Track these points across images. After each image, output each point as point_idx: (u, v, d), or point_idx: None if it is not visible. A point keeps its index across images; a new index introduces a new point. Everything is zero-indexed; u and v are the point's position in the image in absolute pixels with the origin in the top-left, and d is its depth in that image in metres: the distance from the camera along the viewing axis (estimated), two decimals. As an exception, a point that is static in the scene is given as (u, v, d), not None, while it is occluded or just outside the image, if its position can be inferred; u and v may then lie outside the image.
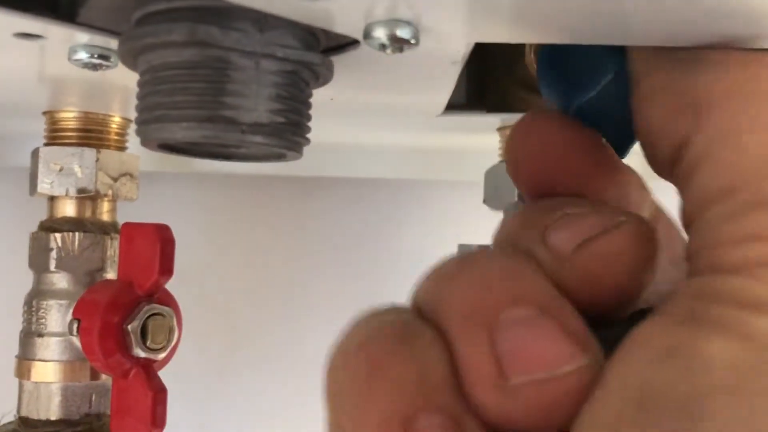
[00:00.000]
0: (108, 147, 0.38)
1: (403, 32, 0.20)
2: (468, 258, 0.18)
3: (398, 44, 0.21)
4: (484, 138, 0.42)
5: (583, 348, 0.16)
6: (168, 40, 0.20)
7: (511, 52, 0.36)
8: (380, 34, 0.20)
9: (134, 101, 0.37)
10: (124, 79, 0.31)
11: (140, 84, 0.22)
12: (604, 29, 0.21)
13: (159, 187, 0.56)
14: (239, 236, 0.59)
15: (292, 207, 0.59)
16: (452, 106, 0.34)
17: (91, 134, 0.38)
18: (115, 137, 0.38)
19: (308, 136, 0.23)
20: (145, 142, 0.22)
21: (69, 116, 0.38)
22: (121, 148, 0.39)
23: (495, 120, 0.40)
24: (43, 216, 0.39)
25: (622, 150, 0.23)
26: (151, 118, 0.21)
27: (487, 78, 0.38)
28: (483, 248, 0.20)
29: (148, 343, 0.34)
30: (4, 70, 0.29)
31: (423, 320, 0.17)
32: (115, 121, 0.38)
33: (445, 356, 0.17)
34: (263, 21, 0.21)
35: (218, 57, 0.20)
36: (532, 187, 0.21)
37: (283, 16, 0.20)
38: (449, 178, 0.52)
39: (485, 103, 0.39)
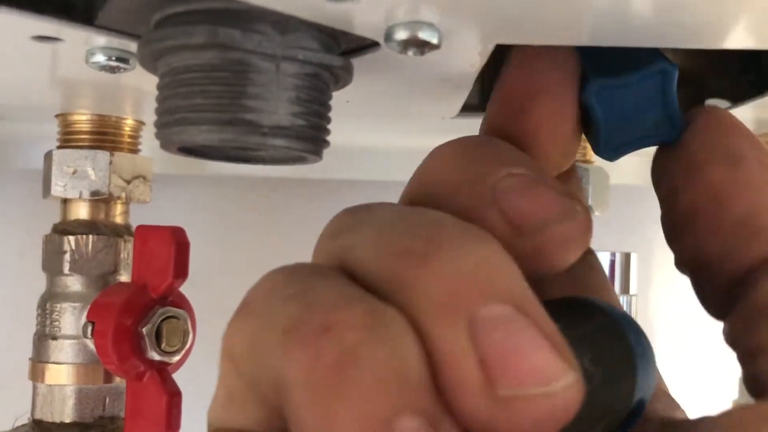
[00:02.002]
0: (121, 149, 0.38)
1: (425, 34, 0.20)
2: (433, 233, 0.17)
3: (420, 46, 0.20)
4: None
5: (570, 364, 0.15)
6: (188, 42, 0.20)
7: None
8: (402, 36, 0.20)
9: (148, 104, 0.37)
10: (138, 81, 0.31)
11: (160, 87, 0.22)
12: (624, 31, 0.21)
13: (171, 190, 0.56)
14: (251, 239, 0.59)
15: (304, 210, 0.59)
16: (465, 108, 0.34)
17: (105, 137, 0.38)
18: (129, 140, 0.38)
19: (327, 138, 0.23)
20: (165, 145, 0.21)
21: (82, 119, 0.37)
22: (134, 151, 0.39)
23: (509, 122, 0.40)
24: (54, 219, 0.39)
25: (609, 151, 0.23)
26: (171, 121, 0.21)
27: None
28: (436, 213, 0.18)
29: (163, 346, 0.34)
30: (20, 72, 0.29)
31: (385, 302, 0.16)
32: (129, 123, 0.38)
33: (420, 349, 0.15)
34: (284, 23, 0.21)
35: (239, 60, 0.20)
36: (500, 112, 0.22)
37: (305, 19, 0.20)
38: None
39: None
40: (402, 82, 0.28)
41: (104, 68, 0.25)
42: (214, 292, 0.58)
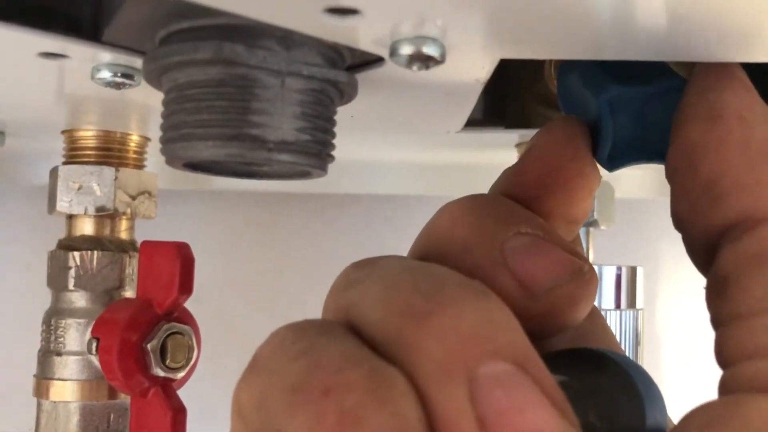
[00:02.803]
0: (126, 165, 0.38)
1: (429, 49, 0.20)
2: (434, 290, 0.17)
3: (425, 61, 0.20)
4: (502, 154, 0.42)
5: (570, 421, 0.15)
6: (194, 58, 0.20)
7: (530, 67, 0.36)
8: (407, 51, 0.20)
9: (153, 120, 0.37)
10: (143, 97, 0.31)
11: (165, 103, 0.22)
12: (629, 45, 0.21)
13: (175, 206, 0.56)
14: (255, 254, 0.59)
15: (308, 224, 0.59)
16: (469, 122, 0.34)
17: (110, 153, 0.38)
18: (134, 156, 0.38)
19: (332, 153, 0.23)
20: (171, 161, 0.22)
21: (88, 135, 0.38)
22: (140, 167, 0.39)
23: (513, 136, 0.40)
24: (59, 235, 0.39)
25: (610, 162, 0.23)
26: (176, 136, 0.21)
27: (505, 94, 0.38)
28: (440, 269, 0.18)
29: (168, 362, 0.34)
30: (26, 89, 0.29)
31: (387, 361, 0.16)
32: (134, 139, 0.38)
33: (421, 410, 0.15)
34: (289, 39, 0.21)
35: (244, 75, 0.20)
36: (517, 180, 0.22)
37: (310, 35, 0.20)
38: (465, 194, 0.52)
39: (503, 119, 0.38)
40: (407, 97, 0.28)
41: (110, 84, 0.25)
42: (218, 307, 0.58)
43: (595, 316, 0.24)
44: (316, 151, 0.22)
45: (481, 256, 0.19)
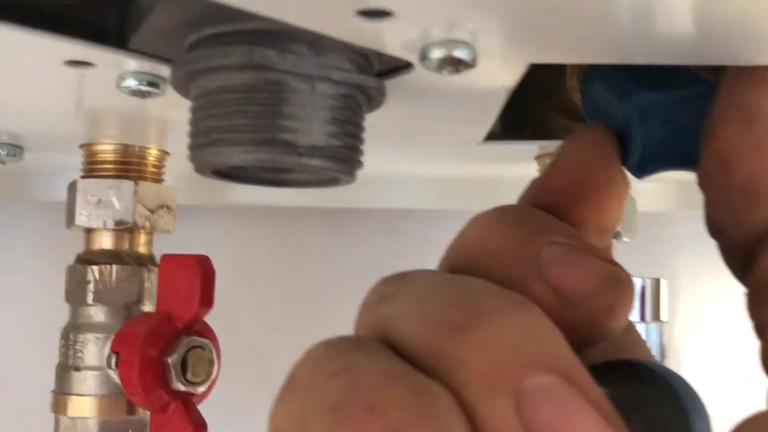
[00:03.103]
0: (145, 179, 0.38)
1: (460, 53, 0.20)
2: (473, 302, 0.16)
3: (456, 65, 0.20)
4: (521, 166, 0.42)
5: (615, 427, 0.15)
6: (224, 63, 0.20)
7: (550, 78, 0.36)
8: (437, 54, 0.20)
9: (172, 133, 0.37)
10: (163, 110, 0.31)
11: (194, 109, 0.21)
12: (656, 49, 0.21)
13: (190, 220, 0.56)
14: (271, 269, 0.59)
15: (324, 239, 0.59)
16: (488, 135, 0.34)
17: (129, 166, 0.37)
18: (153, 169, 0.38)
19: (361, 159, 0.23)
20: (199, 168, 0.21)
21: (107, 148, 0.37)
22: (158, 180, 0.39)
23: (533, 148, 0.40)
24: (75, 250, 0.39)
25: (640, 169, 0.23)
26: (206, 142, 0.20)
27: (524, 105, 0.38)
28: (476, 281, 0.18)
29: (188, 376, 0.33)
30: (48, 100, 0.29)
31: (430, 377, 0.16)
32: (153, 153, 0.38)
33: (467, 425, 0.15)
34: (319, 44, 0.21)
35: (275, 80, 0.20)
36: (546, 190, 0.22)
37: (341, 39, 0.20)
38: (484, 208, 0.52)
39: (523, 131, 0.38)
40: (433, 105, 0.27)
41: (135, 93, 0.25)
42: (233, 322, 0.58)
43: (630, 329, 0.24)
44: (345, 156, 0.21)
45: (515, 267, 0.19)
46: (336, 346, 0.17)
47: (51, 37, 0.22)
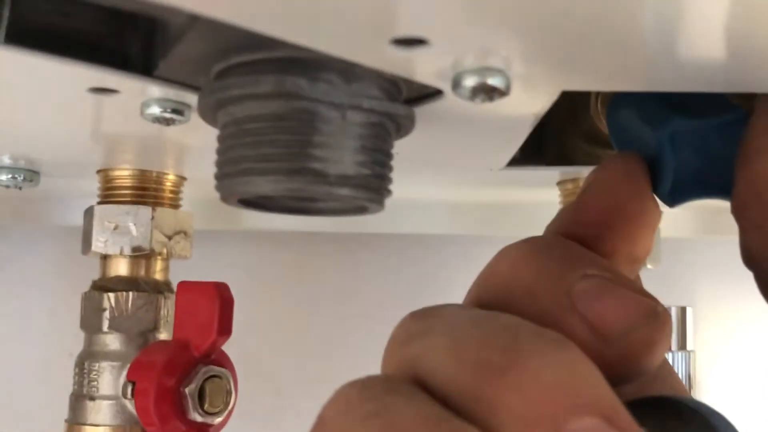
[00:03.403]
0: (162, 205, 0.37)
1: (494, 80, 0.20)
2: (509, 341, 0.16)
3: (489, 93, 0.20)
4: (541, 192, 0.41)
5: None
6: (255, 92, 0.19)
7: (572, 102, 0.36)
8: (470, 83, 0.20)
9: (189, 159, 0.36)
10: (181, 136, 0.30)
11: (221, 138, 0.21)
12: (689, 77, 0.21)
13: (201, 245, 0.55)
14: (282, 295, 0.58)
15: (337, 265, 0.58)
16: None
17: (146, 192, 0.37)
18: (170, 195, 0.38)
19: (390, 187, 0.22)
20: (226, 197, 0.21)
21: (124, 174, 0.37)
22: (175, 206, 0.38)
23: (554, 174, 0.39)
24: (86, 276, 0.39)
25: (671, 197, 0.22)
26: (234, 171, 0.20)
27: (544, 130, 0.38)
28: (510, 318, 0.17)
29: (206, 406, 0.33)
30: (69, 127, 0.29)
31: (466, 420, 0.15)
32: (170, 178, 0.38)
33: None
34: (349, 71, 0.20)
35: (305, 109, 0.20)
36: (577, 220, 0.21)
37: (372, 67, 0.20)
38: (502, 234, 0.51)
39: (544, 157, 0.38)
40: (460, 132, 0.27)
41: (158, 120, 0.24)
42: (244, 349, 0.57)
43: (663, 361, 0.23)
44: (375, 185, 0.21)
45: (548, 301, 0.18)
46: (369, 388, 0.16)
47: (76, 65, 0.22)
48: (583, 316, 0.18)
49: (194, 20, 0.19)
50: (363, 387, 0.17)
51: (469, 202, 0.51)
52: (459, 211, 0.52)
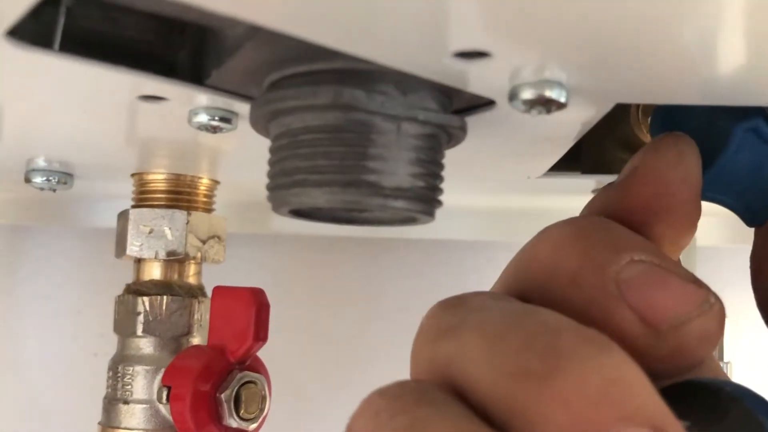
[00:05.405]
0: (196, 209, 0.37)
1: (553, 93, 0.19)
2: (550, 345, 0.15)
3: (546, 105, 0.20)
4: (575, 199, 0.41)
5: None
6: (312, 103, 0.19)
7: (612, 112, 0.35)
8: (528, 95, 0.19)
9: (223, 163, 0.36)
10: (216, 141, 0.30)
11: (274, 149, 0.21)
12: (752, 91, 0.21)
13: (227, 248, 0.55)
14: (307, 299, 0.58)
15: (361, 269, 0.58)
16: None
17: (180, 196, 0.37)
18: (204, 199, 0.38)
19: (441, 198, 0.22)
20: (278, 207, 0.21)
21: (158, 178, 0.37)
22: (209, 210, 0.38)
23: (590, 182, 0.39)
24: (113, 277, 0.39)
25: (705, 194, 0.21)
26: (288, 183, 0.20)
27: (582, 138, 0.37)
28: (549, 316, 0.16)
29: (241, 412, 0.33)
30: (112, 133, 0.29)
31: (505, 430, 0.15)
32: (204, 182, 0.38)
33: None
34: (405, 83, 0.20)
35: (362, 121, 0.19)
36: (622, 204, 0.20)
37: (428, 78, 0.20)
38: (526, 239, 0.51)
39: (580, 164, 0.37)
40: (505, 142, 0.27)
41: (206, 128, 0.24)
42: (269, 352, 0.57)
43: None
44: (428, 197, 0.21)
45: (593, 289, 0.17)
46: (399, 399, 0.16)
47: (127, 72, 0.22)
48: (632, 305, 0.17)
49: (254, 31, 0.18)
50: (393, 397, 0.16)
51: (497, 208, 0.50)
52: (484, 217, 0.52)
